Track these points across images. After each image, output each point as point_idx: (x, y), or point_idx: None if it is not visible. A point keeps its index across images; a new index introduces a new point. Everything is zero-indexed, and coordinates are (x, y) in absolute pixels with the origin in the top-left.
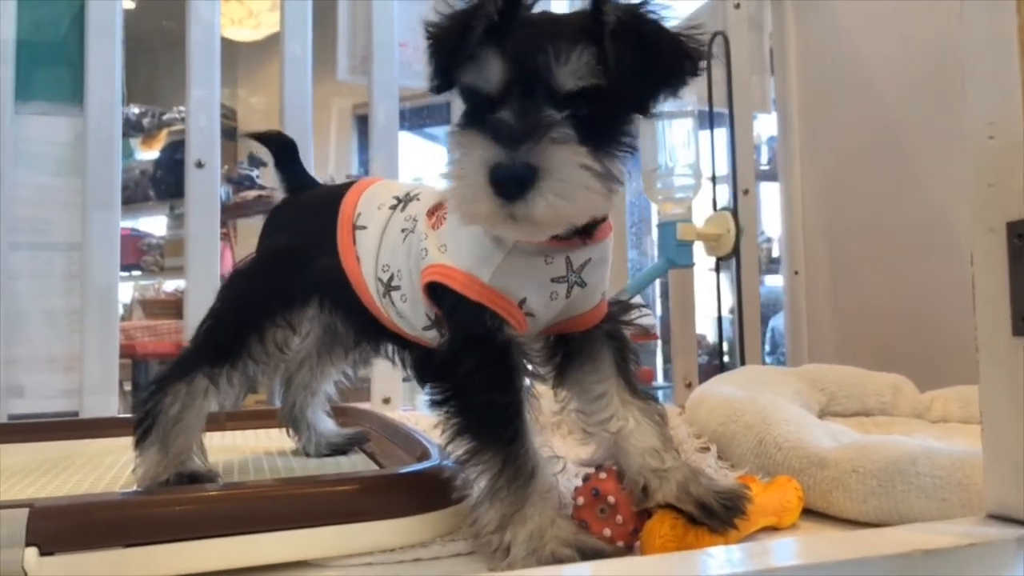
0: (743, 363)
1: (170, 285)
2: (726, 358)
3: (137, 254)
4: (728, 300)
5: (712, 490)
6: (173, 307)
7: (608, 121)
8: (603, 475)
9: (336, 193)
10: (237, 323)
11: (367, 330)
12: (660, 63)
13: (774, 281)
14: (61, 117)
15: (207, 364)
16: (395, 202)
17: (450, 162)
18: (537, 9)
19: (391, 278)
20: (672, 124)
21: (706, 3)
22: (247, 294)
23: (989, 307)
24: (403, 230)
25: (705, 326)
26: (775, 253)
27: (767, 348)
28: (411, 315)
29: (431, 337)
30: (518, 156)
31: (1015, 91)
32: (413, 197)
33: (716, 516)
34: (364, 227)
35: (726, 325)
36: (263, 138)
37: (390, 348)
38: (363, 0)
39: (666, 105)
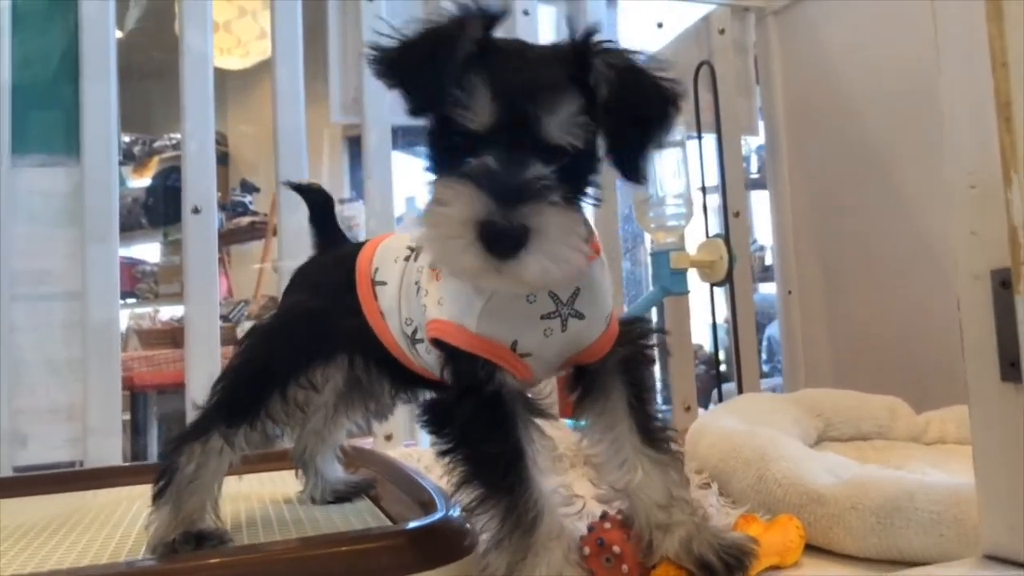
0: (740, 377)
1: (166, 313)
2: (723, 367)
3: (132, 282)
4: (723, 309)
5: (716, 545)
6: (170, 336)
7: (582, 172)
8: (608, 524)
9: (353, 251)
10: (257, 383)
11: (403, 381)
12: (647, 118)
13: (769, 289)
14: (58, 168)
15: (224, 424)
16: (408, 252)
17: (432, 210)
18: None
19: (415, 332)
20: (661, 154)
21: (691, 29)
22: (269, 353)
23: (977, 353)
24: (416, 282)
25: (701, 335)
26: (768, 261)
27: (764, 356)
28: (436, 366)
29: None
30: (514, 216)
31: (993, 140)
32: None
33: (716, 575)
34: (384, 282)
35: (722, 334)
36: (301, 189)
37: (427, 395)
38: (353, 36)
39: None
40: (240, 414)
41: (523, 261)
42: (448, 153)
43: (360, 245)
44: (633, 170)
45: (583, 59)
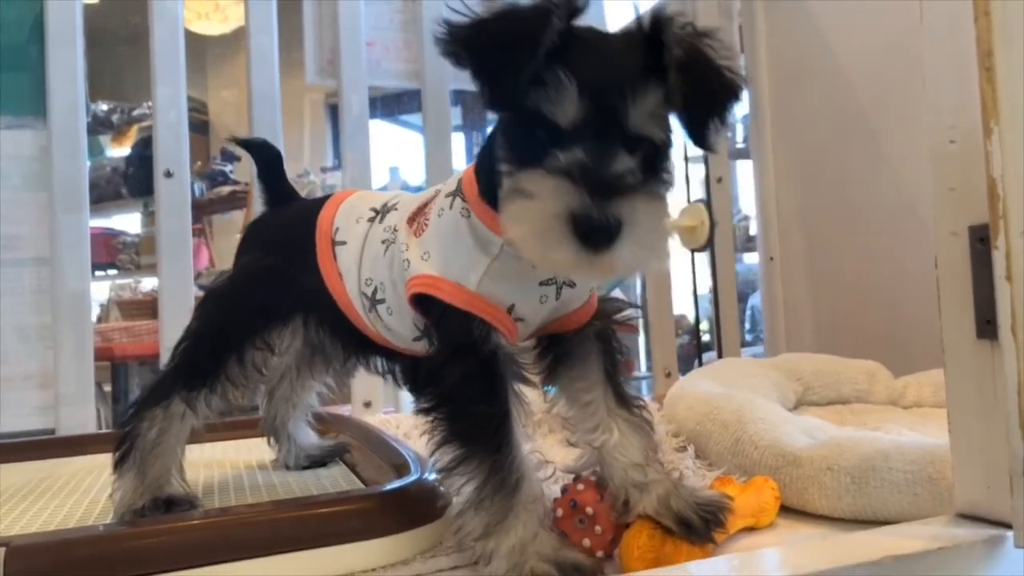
0: (720, 345)
1: (147, 284)
2: (705, 337)
3: (112, 253)
4: (706, 279)
5: (693, 502)
6: (150, 307)
7: (662, 160)
8: (581, 486)
9: (313, 208)
10: (214, 345)
11: (356, 346)
12: (715, 101)
13: (752, 259)
14: (25, 130)
15: (184, 388)
16: (373, 214)
17: (520, 203)
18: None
19: (375, 291)
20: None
21: None
22: (224, 315)
23: (953, 310)
24: (383, 241)
25: (684, 306)
26: (752, 231)
27: (747, 326)
28: (399, 327)
29: (421, 348)
30: (607, 209)
31: (974, 96)
32: (391, 207)
33: (695, 530)
34: (344, 242)
35: (704, 304)
36: (248, 145)
37: (380, 363)
38: (328, 0)
39: None
40: (198, 377)
41: (616, 252)
42: (528, 144)
43: (320, 202)
44: (703, 143)
45: (656, 44)
